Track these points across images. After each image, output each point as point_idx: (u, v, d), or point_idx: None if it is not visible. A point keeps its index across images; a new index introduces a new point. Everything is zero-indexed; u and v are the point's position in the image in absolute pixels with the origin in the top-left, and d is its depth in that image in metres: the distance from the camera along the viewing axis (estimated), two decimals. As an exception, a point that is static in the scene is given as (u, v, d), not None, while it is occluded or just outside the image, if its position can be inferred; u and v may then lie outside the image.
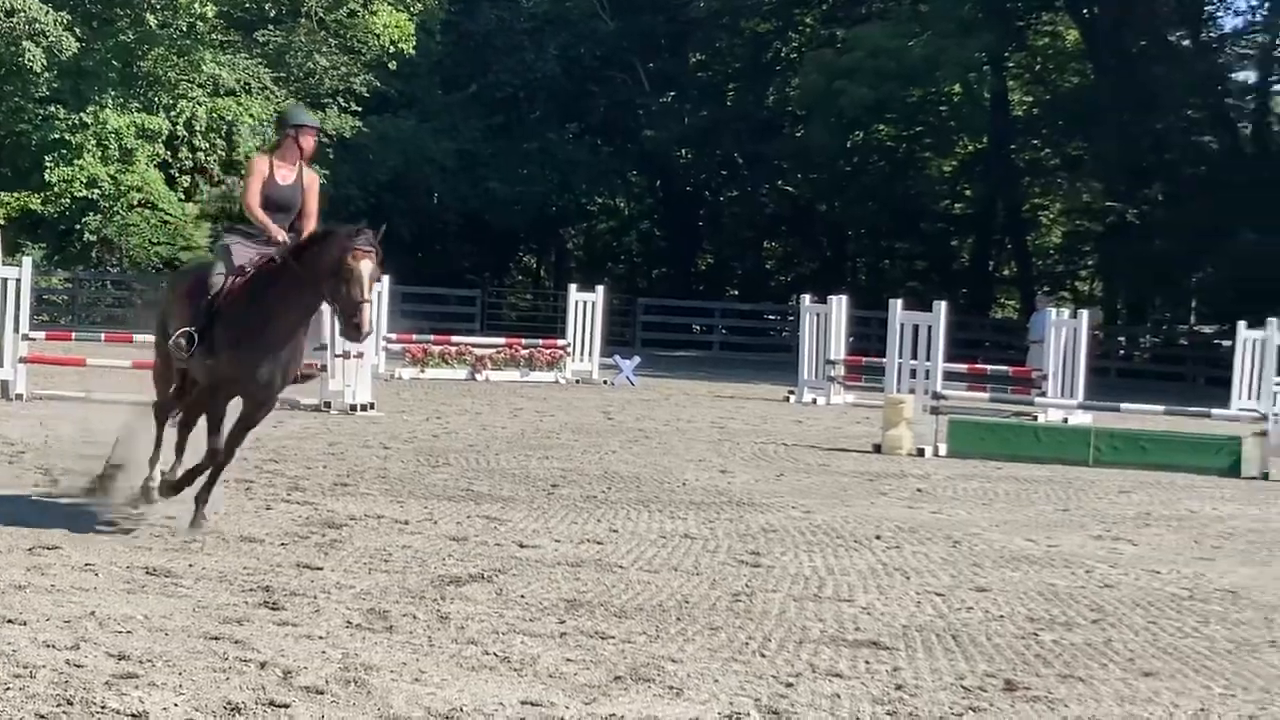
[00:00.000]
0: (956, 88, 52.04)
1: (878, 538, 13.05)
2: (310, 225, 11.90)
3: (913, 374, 21.42)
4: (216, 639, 8.12)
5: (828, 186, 56.48)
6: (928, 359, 21.47)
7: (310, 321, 12.00)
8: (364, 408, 22.08)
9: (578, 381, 30.93)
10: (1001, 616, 9.93)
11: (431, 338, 31.60)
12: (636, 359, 33.17)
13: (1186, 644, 9.38)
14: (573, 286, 32.31)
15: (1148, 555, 12.86)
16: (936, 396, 21.21)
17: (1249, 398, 27.20)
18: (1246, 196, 49.43)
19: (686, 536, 12.59)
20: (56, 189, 46.19)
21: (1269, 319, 22.38)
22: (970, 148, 56.50)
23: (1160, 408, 23.18)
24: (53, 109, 46.58)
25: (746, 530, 13.10)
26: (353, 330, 11.23)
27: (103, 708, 6.74)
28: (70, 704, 6.77)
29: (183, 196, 48.36)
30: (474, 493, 14.37)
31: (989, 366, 30.62)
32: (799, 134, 54.83)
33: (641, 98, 56.25)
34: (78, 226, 47.15)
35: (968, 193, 57.82)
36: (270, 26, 49.34)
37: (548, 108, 55.03)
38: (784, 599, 10.14)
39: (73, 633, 8.09)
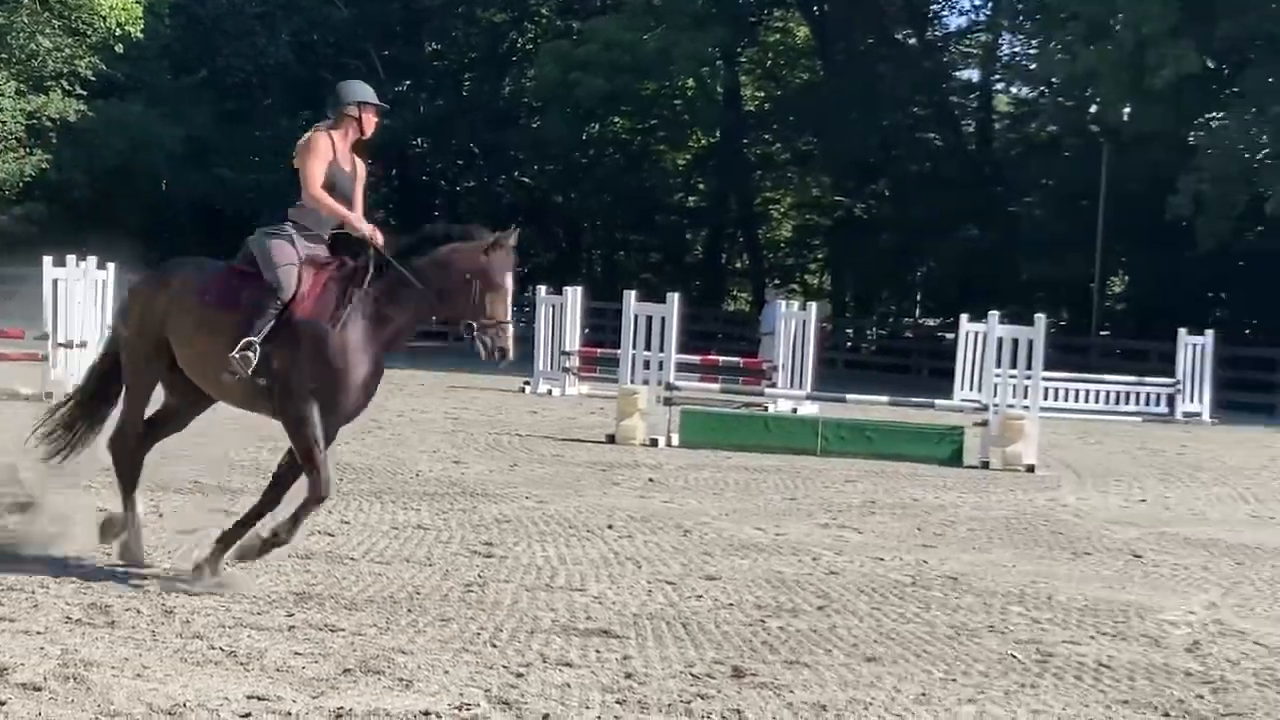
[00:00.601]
0: (690, 82, 52.47)
1: (610, 527, 13.13)
2: (355, 222, 10.11)
3: (646, 365, 21.56)
4: (-71, 637, 7.87)
5: (564, 178, 56.59)
6: (661, 350, 21.64)
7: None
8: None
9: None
10: (730, 604, 10.06)
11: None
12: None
13: (909, 629, 9.60)
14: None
15: (872, 543, 13.14)
16: (669, 387, 21.39)
17: (971, 389, 27.90)
18: (969, 194, 50.76)
19: (419, 528, 12.54)
20: None
21: (990, 312, 22.97)
22: (704, 142, 57.00)
23: (885, 398, 23.71)
24: None
25: (480, 521, 13.09)
26: (497, 354, 9.98)
27: None
28: None
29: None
30: (202, 485, 14.11)
31: (721, 358, 30.95)
32: (535, 125, 54.82)
33: (376, 86, 55.67)
34: None
35: (701, 186, 58.38)
36: (-10, 6, 47.79)
37: (280, 95, 54.14)
38: (516, 589, 10.15)
39: None
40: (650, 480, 16.73)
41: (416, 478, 15.81)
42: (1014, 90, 54.10)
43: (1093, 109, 45.29)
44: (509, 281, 9.96)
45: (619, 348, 23.49)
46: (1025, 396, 20.85)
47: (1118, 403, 31.55)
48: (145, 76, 51.16)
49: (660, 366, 21.65)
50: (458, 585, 10.15)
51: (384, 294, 9.89)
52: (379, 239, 10.01)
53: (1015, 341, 21.17)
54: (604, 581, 10.64)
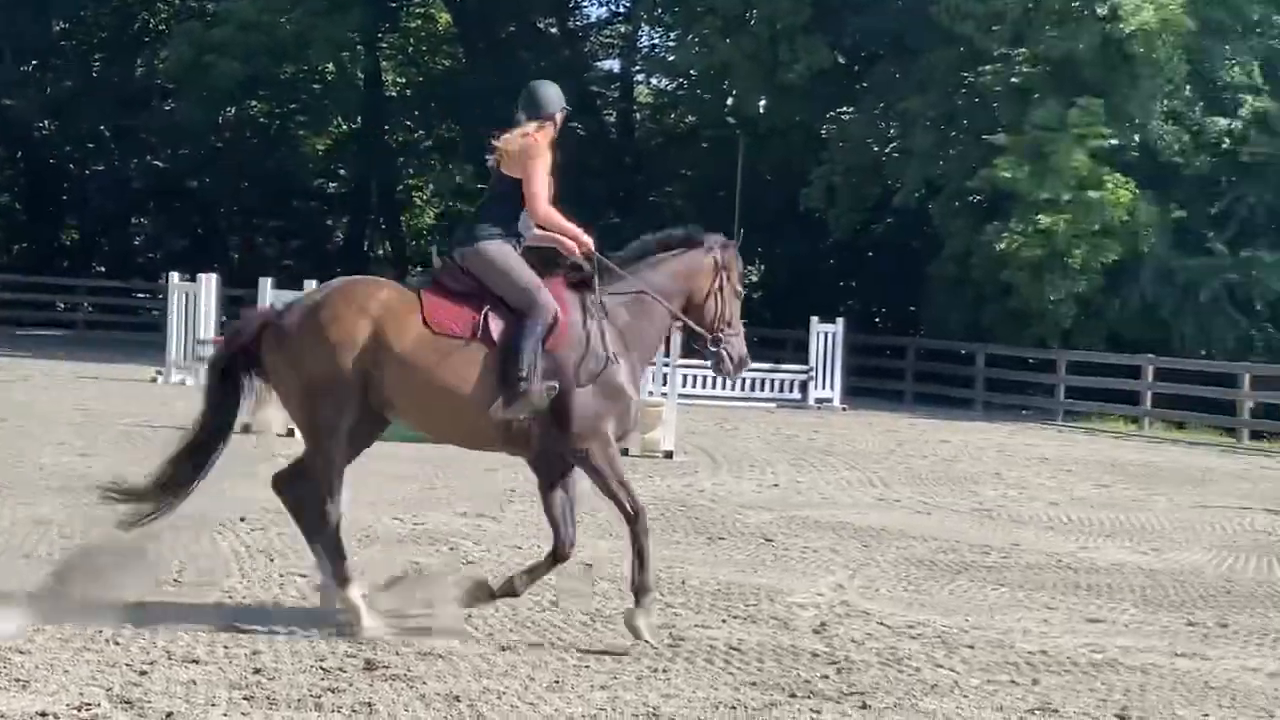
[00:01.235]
0: (330, 66, 51.85)
1: (243, 520, 12.85)
2: (585, 238, 9.35)
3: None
4: None
5: (199, 162, 55.27)
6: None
7: None
8: None
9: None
10: (363, 596, 9.89)
11: None
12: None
13: (544, 617, 9.62)
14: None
15: (510, 532, 13.13)
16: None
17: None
18: (611, 183, 51.27)
19: (40, 523, 12.08)
20: None
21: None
22: (345, 127, 56.43)
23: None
24: None
25: (100, 516, 12.67)
26: (737, 365, 9.38)
27: None
28: None
29: None
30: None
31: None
32: (169, 108, 53.50)
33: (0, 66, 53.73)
34: None
35: (342, 172, 57.76)
36: None
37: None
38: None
39: None
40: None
41: (40, 471, 15.24)
42: (654, 81, 54.87)
43: (730, 101, 46.18)
44: (741, 286, 9.49)
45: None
46: (664, 384, 21.11)
47: (754, 389, 32.24)
48: None
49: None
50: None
51: (629, 310, 9.20)
52: (591, 245, 9.30)
53: (653, 329, 21.40)
54: (235, 576, 10.41)
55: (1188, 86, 34.79)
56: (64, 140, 56.64)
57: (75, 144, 56.78)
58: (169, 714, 7.01)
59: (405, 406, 9.08)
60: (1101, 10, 33.40)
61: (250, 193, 55.11)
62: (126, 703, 7.12)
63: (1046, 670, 8.78)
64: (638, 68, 54.22)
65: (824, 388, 32.77)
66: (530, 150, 9.11)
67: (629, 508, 9.07)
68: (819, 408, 31.91)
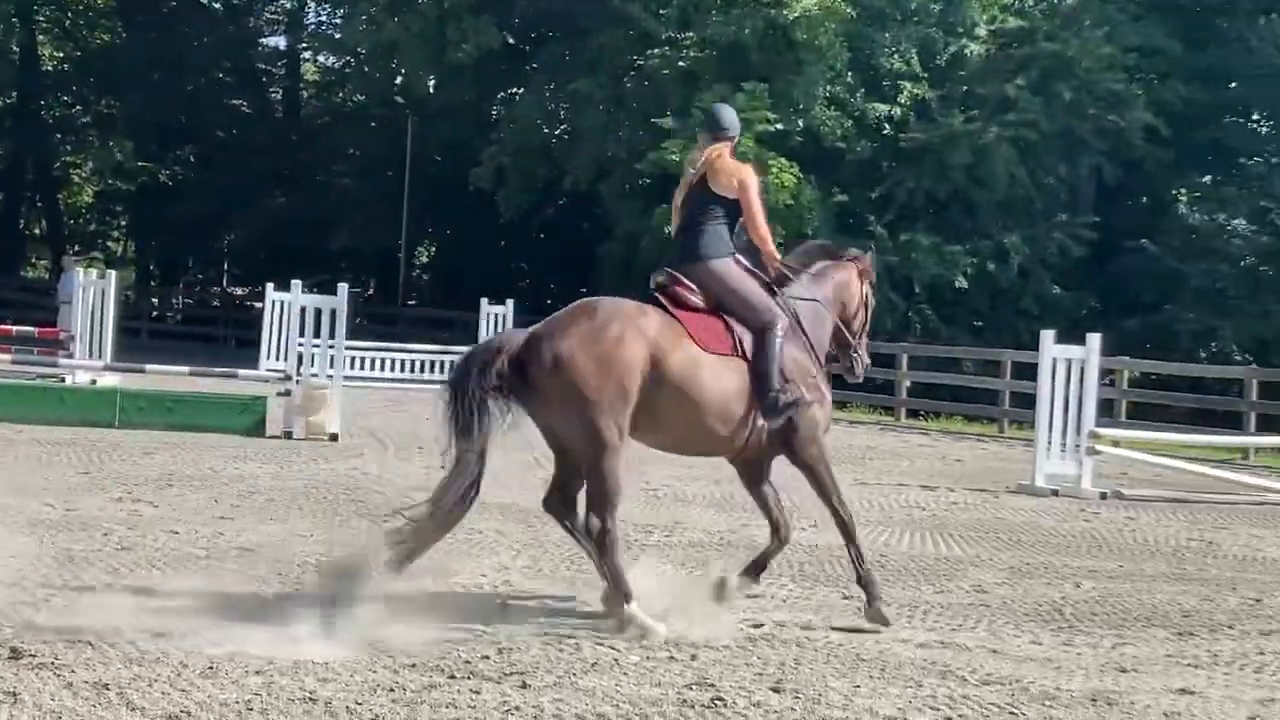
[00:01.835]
0: (-18, 39, 50.11)
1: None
2: (779, 257, 10.00)
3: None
4: None
5: None
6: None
7: None
8: None
9: None
10: (13, 584, 9.57)
11: None
12: None
13: (202, 603, 9.38)
14: None
15: (168, 516, 12.83)
16: (-46, 359, 20.33)
17: (276, 358, 27.73)
18: (277, 161, 50.58)
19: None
20: None
21: (294, 281, 22.84)
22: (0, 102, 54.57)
23: (186, 368, 23.26)
24: None
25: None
26: (859, 371, 10.06)
27: None
28: None
29: None
30: None
31: (15, 327, 29.62)
32: None
33: None
34: None
35: (-3, 148, 55.90)
36: None
37: None
38: None
39: None
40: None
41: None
42: (321, 59, 54.26)
43: (399, 80, 45.90)
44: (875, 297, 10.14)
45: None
46: (331, 366, 20.88)
47: (423, 371, 32.08)
48: None
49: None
50: None
51: (808, 321, 9.77)
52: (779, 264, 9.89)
53: (319, 311, 21.17)
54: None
55: (850, 73, 35.67)
56: None
57: None
58: None
59: (673, 422, 9.35)
60: (766, -4, 34.07)
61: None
62: None
63: (704, 646, 8.88)
64: (304, 45, 53.54)
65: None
66: (747, 177, 9.69)
67: (842, 515, 9.93)
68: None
